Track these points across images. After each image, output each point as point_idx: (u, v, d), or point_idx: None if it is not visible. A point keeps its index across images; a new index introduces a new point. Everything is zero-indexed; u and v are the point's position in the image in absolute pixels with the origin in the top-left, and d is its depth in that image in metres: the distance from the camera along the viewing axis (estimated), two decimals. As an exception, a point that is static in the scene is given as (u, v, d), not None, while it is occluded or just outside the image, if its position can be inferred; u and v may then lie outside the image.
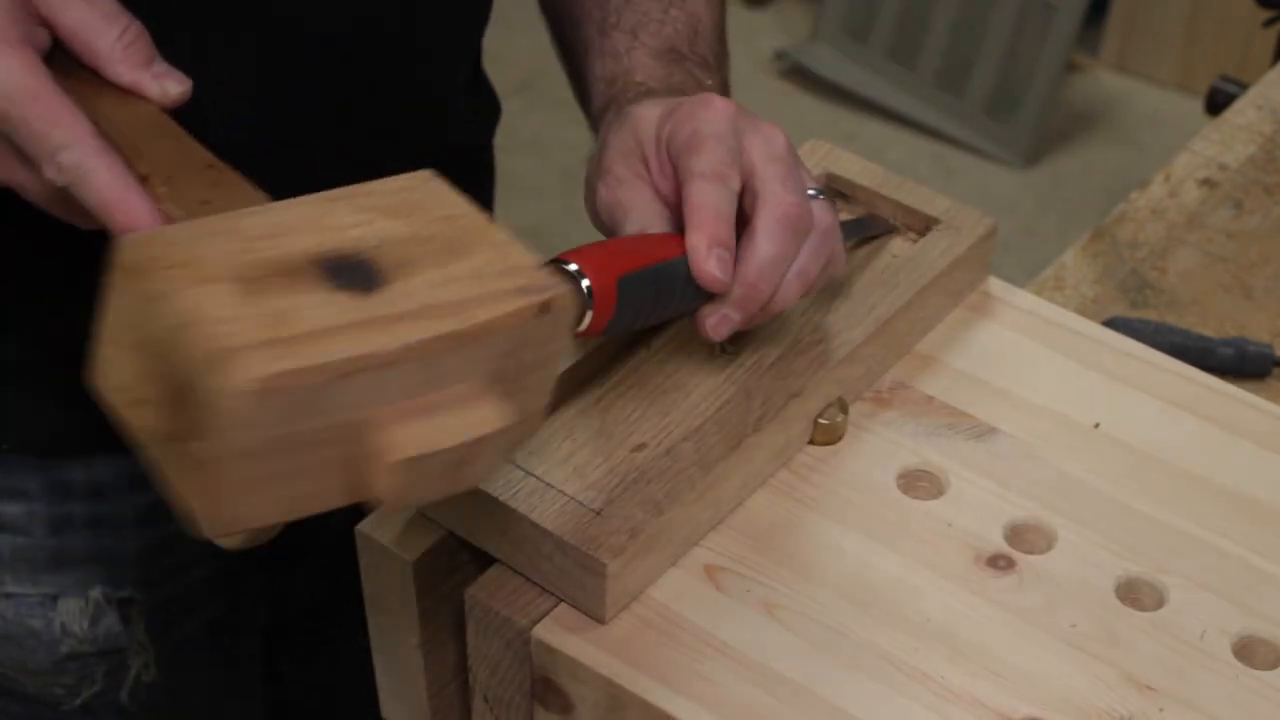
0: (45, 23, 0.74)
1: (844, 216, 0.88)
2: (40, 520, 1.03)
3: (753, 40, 3.35)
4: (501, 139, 1.17)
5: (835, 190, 0.91)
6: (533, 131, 2.97)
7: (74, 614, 1.05)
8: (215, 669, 1.15)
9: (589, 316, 0.71)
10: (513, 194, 1.25)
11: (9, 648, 1.06)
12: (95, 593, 1.05)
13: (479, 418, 0.62)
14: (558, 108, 3.33)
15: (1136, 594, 0.75)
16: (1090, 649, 0.72)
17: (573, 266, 0.71)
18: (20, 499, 1.03)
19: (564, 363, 0.78)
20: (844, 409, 0.81)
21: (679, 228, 0.75)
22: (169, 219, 0.69)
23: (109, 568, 1.04)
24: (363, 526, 0.76)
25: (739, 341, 0.81)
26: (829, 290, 0.85)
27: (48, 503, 1.03)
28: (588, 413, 0.78)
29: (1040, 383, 0.85)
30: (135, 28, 0.74)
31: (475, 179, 1.06)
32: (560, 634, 0.71)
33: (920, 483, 0.79)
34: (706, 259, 0.73)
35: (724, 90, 0.95)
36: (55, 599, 1.05)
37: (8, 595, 1.05)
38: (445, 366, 0.60)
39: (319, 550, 1.03)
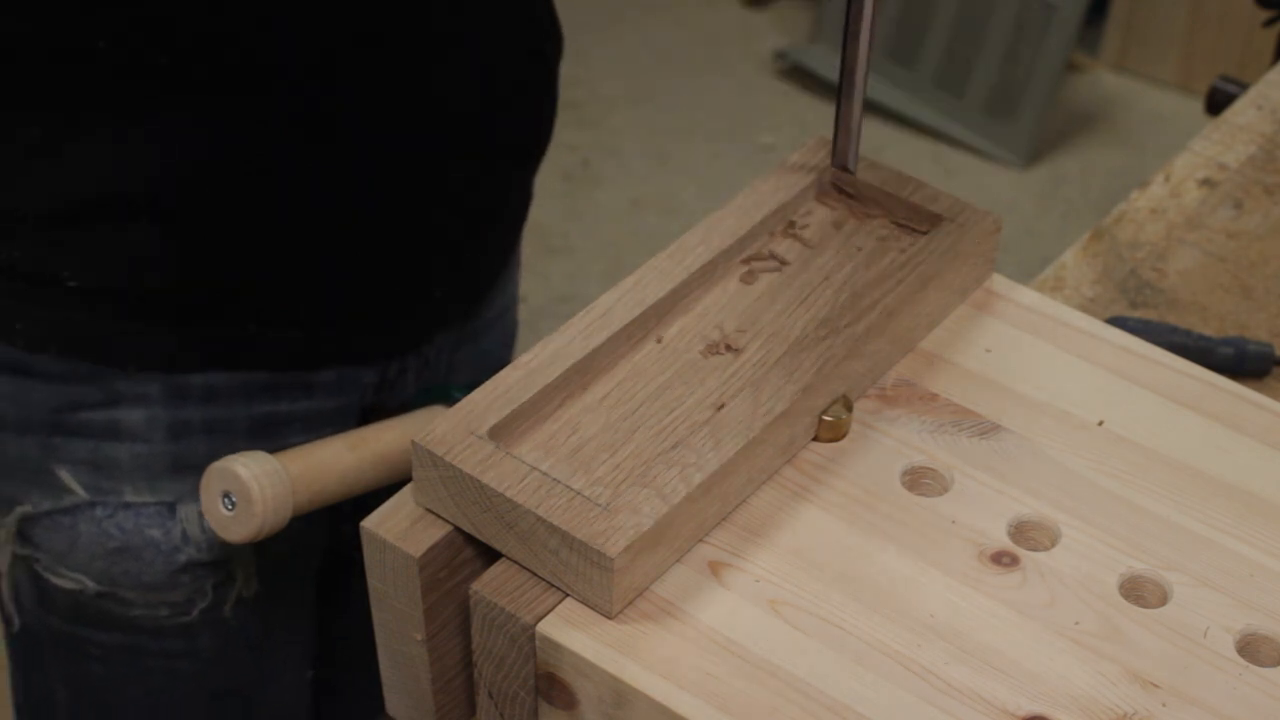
0: None
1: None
2: (160, 426, 1.07)
3: (753, 40, 3.35)
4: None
5: (839, 187, 0.91)
6: (533, 131, 2.97)
7: (194, 519, 1.09)
8: (289, 596, 1.20)
9: None
10: (514, 193, 1.27)
11: (125, 561, 1.09)
12: None
13: None
14: (558, 108, 3.34)
15: (1140, 591, 0.75)
16: (1094, 646, 0.72)
17: None
18: (141, 404, 1.06)
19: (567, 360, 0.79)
20: (849, 406, 0.81)
21: None
22: None
23: None
24: (368, 523, 0.76)
25: (743, 338, 0.82)
26: (834, 286, 0.85)
27: (166, 406, 1.06)
28: (594, 408, 0.78)
29: (1044, 380, 0.85)
30: None
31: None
32: (565, 629, 0.71)
33: (924, 480, 0.79)
34: None
35: None
36: (174, 506, 1.08)
37: (126, 505, 1.08)
38: None
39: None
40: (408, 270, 1.10)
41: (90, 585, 1.10)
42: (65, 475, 1.07)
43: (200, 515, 1.08)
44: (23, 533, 1.11)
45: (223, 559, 1.11)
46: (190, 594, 1.11)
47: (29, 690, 1.21)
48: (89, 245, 1.01)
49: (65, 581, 1.10)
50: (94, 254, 1.01)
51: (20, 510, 1.10)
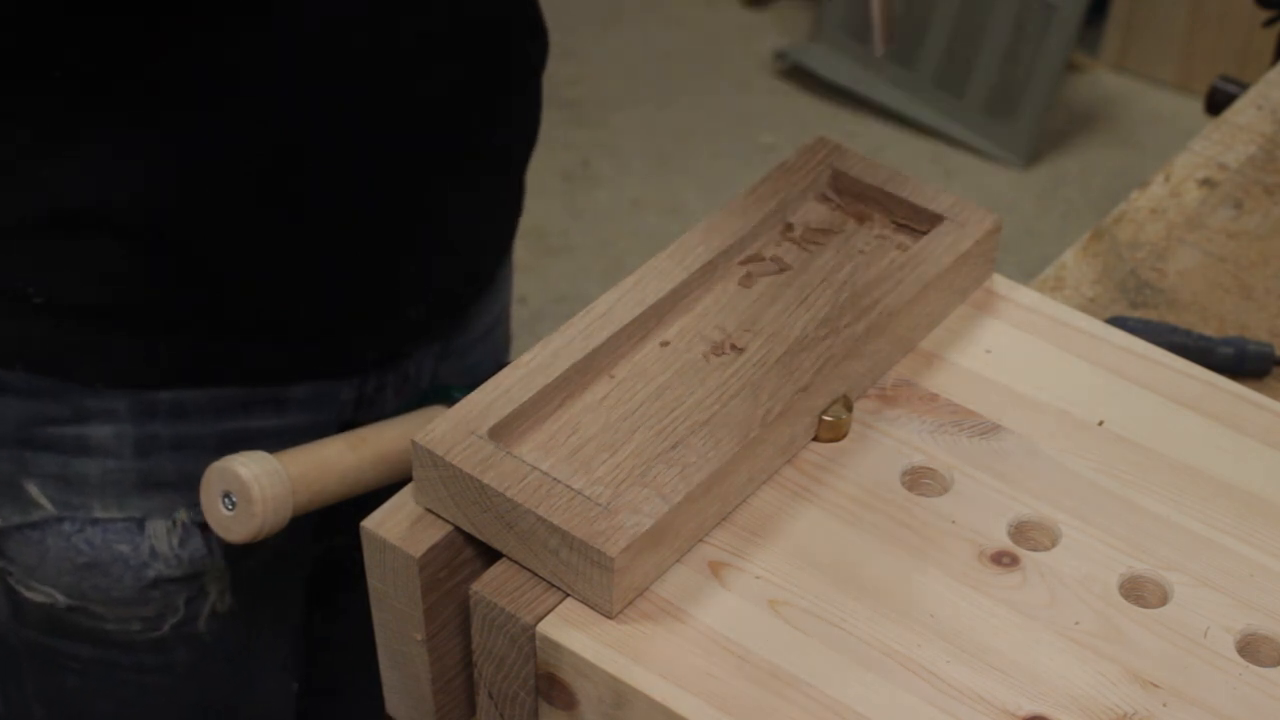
0: None
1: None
2: (128, 441, 1.06)
3: (753, 40, 3.35)
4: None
5: (840, 187, 0.91)
6: (532, 131, 2.98)
7: (162, 535, 1.09)
8: (269, 608, 1.19)
9: None
10: (514, 193, 1.27)
11: (94, 576, 1.09)
12: (181, 515, 1.09)
13: None
14: (558, 107, 3.34)
15: (1140, 591, 0.75)
16: (1094, 646, 0.72)
17: None
18: (110, 420, 1.05)
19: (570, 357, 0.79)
20: (849, 406, 0.81)
21: None
22: None
23: (192, 491, 1.06)
24: (368, 523, 0.76)
25: (745, 337, 0.82)
26: (833, 286, 0.85)
27: (134, 422, 1.06)
28: (594, 408, 0.78)
29: (1044, 380, 0.85)
30: None
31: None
32: (565, 630, 0.71)
33: (924, 480, 0.79)
34: None
35: None
36: (143, 522, 1.08)
37: (94, 521, 1.08)
38: None
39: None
40: (403, 271, 1.10)
41: (61, 599, 1.09)
42: (34, 490, 1.07)
43: (168, 531, 1.08)
44: None
45: (193, 574, 1.10)
46: (161, 609, 1.10)
47: (8, 705, 1.21)
48: (68, 256, 1.00)
49: (37, 595, 1.10)
50: (72, 266, 1.00)
51: None
